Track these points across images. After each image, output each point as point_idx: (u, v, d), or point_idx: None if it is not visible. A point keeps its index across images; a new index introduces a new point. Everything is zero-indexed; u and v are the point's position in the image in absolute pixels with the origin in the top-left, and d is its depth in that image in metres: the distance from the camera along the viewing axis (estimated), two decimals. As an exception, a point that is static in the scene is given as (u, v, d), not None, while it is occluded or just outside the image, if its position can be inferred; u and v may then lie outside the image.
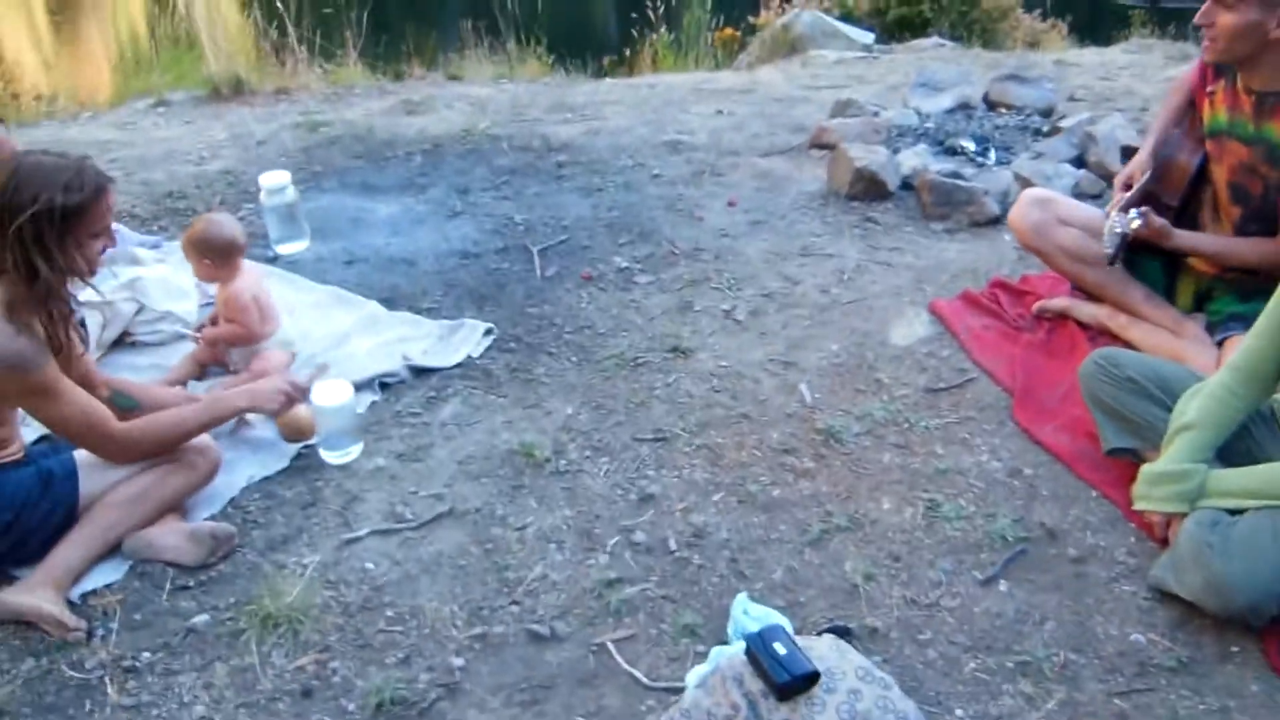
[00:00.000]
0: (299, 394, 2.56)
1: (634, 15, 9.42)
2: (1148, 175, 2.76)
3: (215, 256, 2.87)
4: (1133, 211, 2.62)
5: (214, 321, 3.02)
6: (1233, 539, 2.02)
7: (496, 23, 8.14)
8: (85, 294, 2.46)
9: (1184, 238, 2.70)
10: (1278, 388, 2.26)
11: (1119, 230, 2.61)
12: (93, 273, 2.27)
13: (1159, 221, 2.65)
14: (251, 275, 2.98)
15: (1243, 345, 2.28)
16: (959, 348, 3.02)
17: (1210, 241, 2.73)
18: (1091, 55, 6.31)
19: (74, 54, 14.52)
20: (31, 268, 2.07)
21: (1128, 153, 3.64)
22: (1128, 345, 2.92)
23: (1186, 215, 2.80)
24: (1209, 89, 2.69)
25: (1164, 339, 2.87)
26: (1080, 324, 3.04)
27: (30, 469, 2.25)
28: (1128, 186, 2.80)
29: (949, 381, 2.87)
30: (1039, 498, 2.44)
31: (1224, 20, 2.42)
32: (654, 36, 9.04)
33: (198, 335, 3.02)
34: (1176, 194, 2.77)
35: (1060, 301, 3.10)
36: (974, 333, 3.07)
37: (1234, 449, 2.26)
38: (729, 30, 9.75)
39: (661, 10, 8.77)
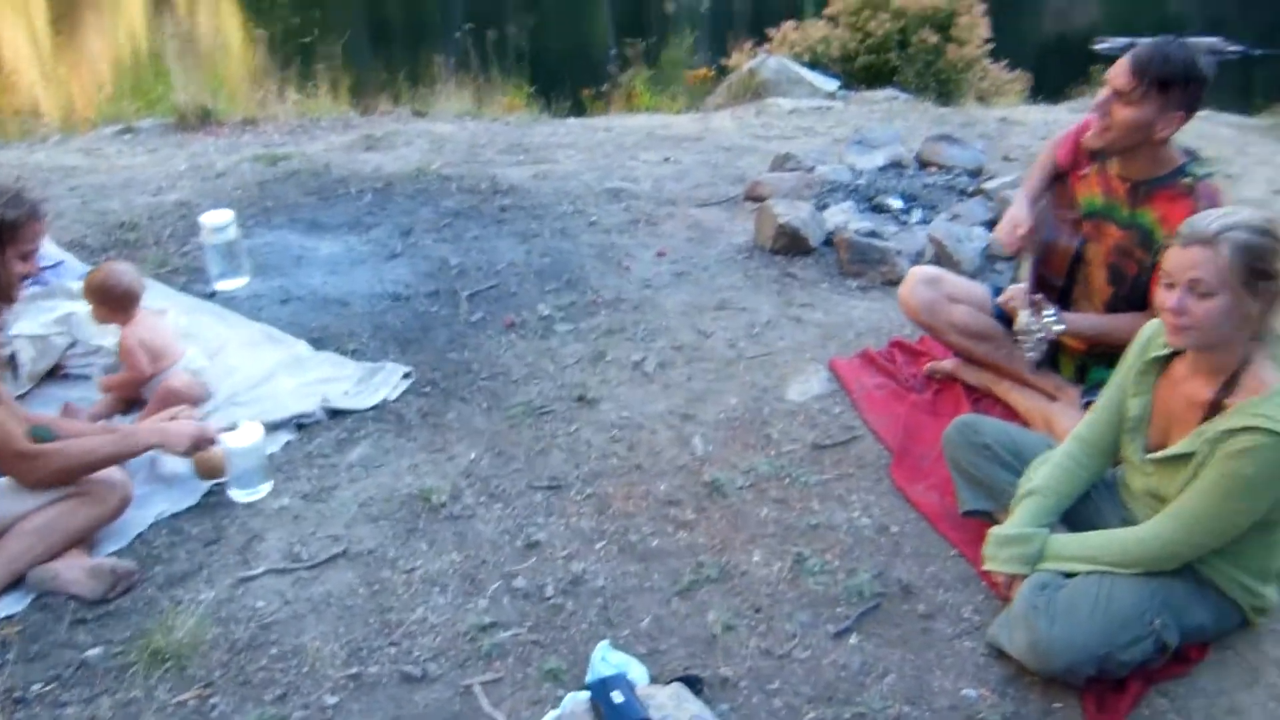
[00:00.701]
0: (206, 441, 2.70)
1: (613, 52, 9.66)
2: (1034, 260, 2.92)
3: (112, 304, 3.05)
4: (1049, 313, 2.76)
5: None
6: (1057, 602, 2.17)
7: (469, 57, 8.36)
8: (18, 326, 2.61)
9: (1073, 322, 2.84)
10: (1118, 457, 2.41)
11: (1040, 335, 2.75)
12: (10, 297, 2.42)
13: (1051, 309, 2.80)
14: (143, 319, 3.12)
15: (1086, 417, 2.45)
16: (851, 406, 3.17)
17: (1094, 323, 2.86)
18: (1037, 113, 6.51)
19: (69, 71, 14.70)
20: None
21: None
22: (1009, 409, 3.09)
23: (1068, 293, 2.97)
24: (1082, 172, 2.85)
25: (1041, 404, 3.03)
26: (967, 386, 3.20)
27: (-59, 493, 2.39)
28: (1014, 228, 2.94)
29: (835, 439, 3.02)
30: (901, 554, 2.58)
31: (1121, 114, 2.59)
32: (633, 73, 9.27)
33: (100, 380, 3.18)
34: (1060, 275, 2.93)
35: (950, 364, 3.25)
36: (867, 391, 3.22)
37: (1079, 515, 2.42)
38: (704, 70, 9.99)
39: (643, 48, 9.00)
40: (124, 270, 3.13)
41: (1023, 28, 16.65)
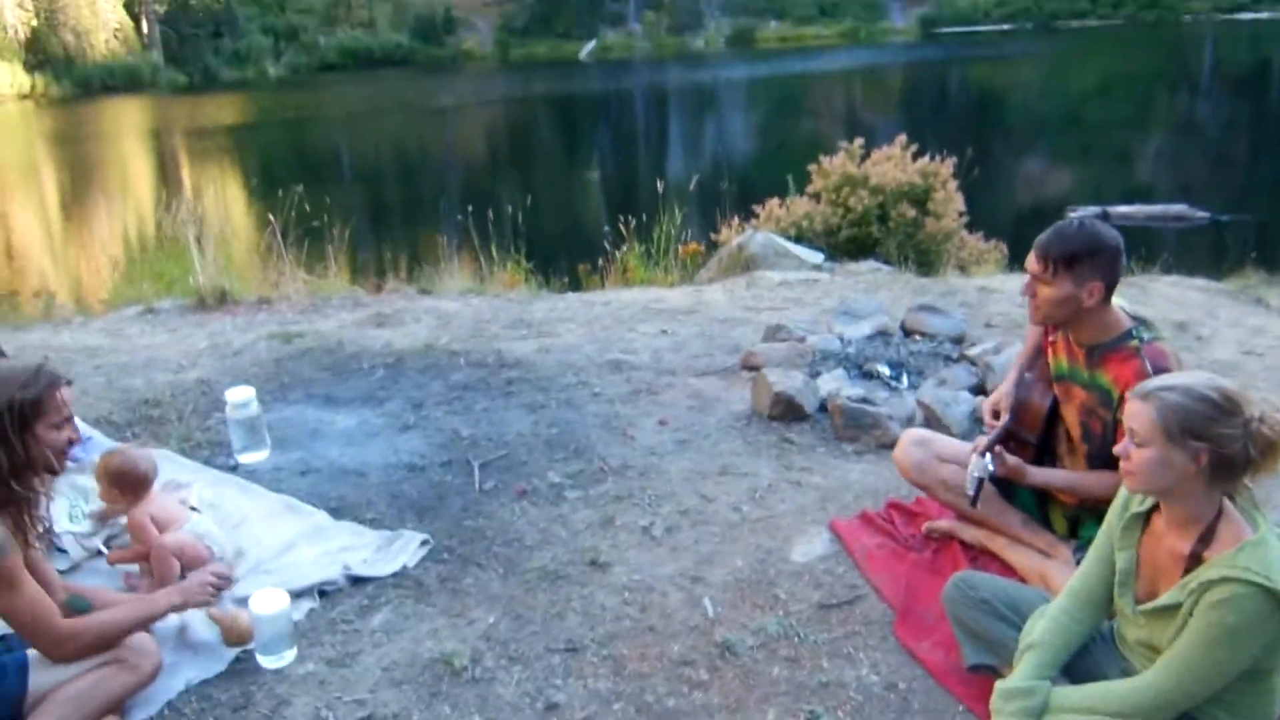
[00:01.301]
0: (223, 583, 2.81)
1: (606, 229, 10.12)
2: (1008, 416, 3.14)
3: (125, 488, 3.21)
4: (987, 457, 2.97)
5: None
6: (1063, 754, 2.25)
7: (472, 236, 8.77)
8: (58, 518, 2.76)
9: (1038, 475, 3.05)
10: (1111, 609, 2.53)
11: (976, 475, 2.98)
12: (60, 465, 2.57)
13: (1013, 461, 3.01)
14: (150, 496, 3.27)
15: (1078, 570, 2.58)
16: (853, 565, 3.30)
17: (1062, 477, 3.07)
18: (1015, 281, 6.84)
19: (79, 255, 15.24)
20: (6, 460, 2.38)
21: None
22: (1006, 565, 3.22)
23: (1047, 449, 3.16)
24: (1050, 338, 3.10)
25: (1036, 561, 3.17)
26: (964, 544, 3.34)
27: (-16, 663, 2.48)
28: (995, 415, 3.18)
29: (841, 598, 3.13)
30: (910, 710, 2.67)
31: (1043, 293, 2.86)
32: (626, 249, 9.69)
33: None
34: (1034, 431, 3.14)
35: (946, 523, 3.40)
36: (868, 551, 3.36)
37: (1080, 667, 2.52)
38: (694, 245, 10.44)
39: (634, 225, 9.43)
40: (140, 456, 3.31)
41: (998, 199, 17.49)
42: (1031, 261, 2.86)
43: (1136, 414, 2.22)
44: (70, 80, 55.89)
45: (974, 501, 3.05)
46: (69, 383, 2.58)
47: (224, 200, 17.16)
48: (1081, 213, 15.33)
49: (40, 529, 2.61)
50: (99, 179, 26.11)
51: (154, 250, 9.80)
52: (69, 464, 3.69)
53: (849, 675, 2.80)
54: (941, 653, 2.85)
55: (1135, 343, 2.84)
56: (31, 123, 42.54)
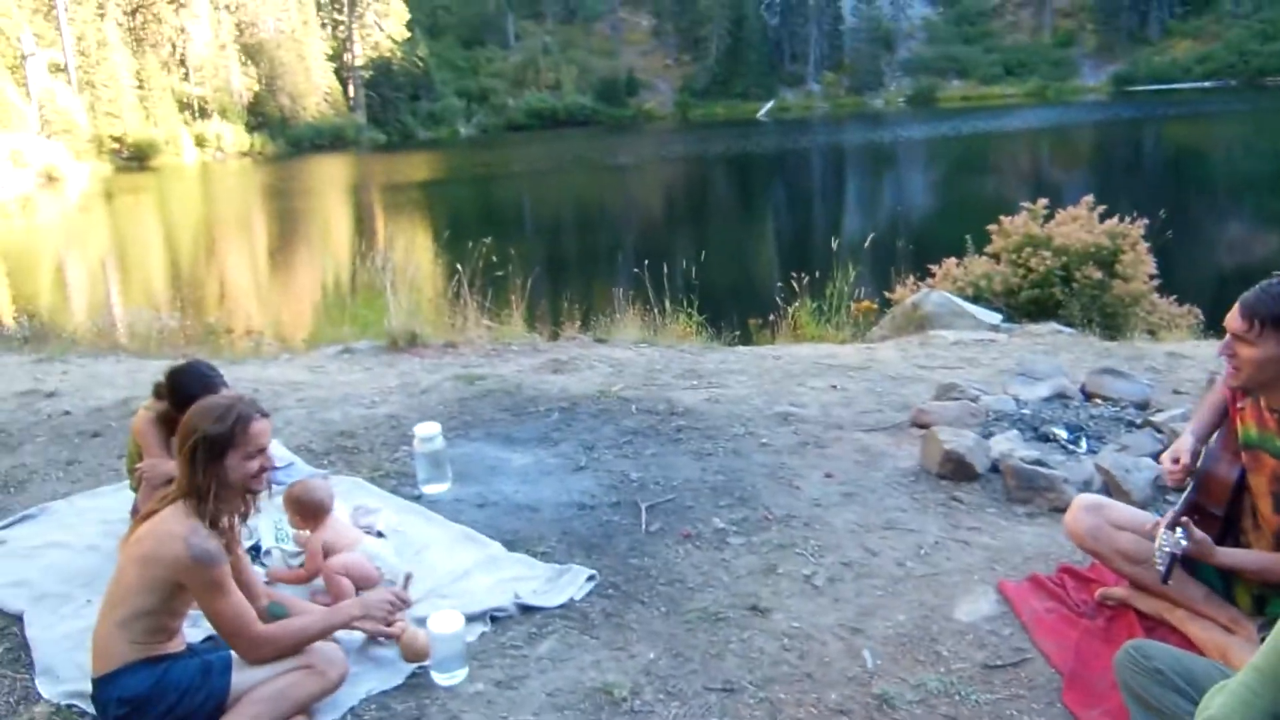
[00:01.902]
0: (401, 603, 3.03)
1: (779, 285, 10.20)
2: (1191, 488, 3.01)
3: (305, 514, 3.54)
4: (1179, 531, 2.83)
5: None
6: (1241, 834, 2.15)
7: (646, 288, 9.01)
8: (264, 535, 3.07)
9: (1225, 556, 2.89)
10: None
11: (1168, 550, 2.81)
12: (253, 490, 2.84)
13: (1200, 535, 2.85)
14: (329, 523, 3.56)
15: (1265, 646, 2.45)
16: (1021, 628, 3.23)
17: (1253, 559, 2.90)
18: (1207, 348, 6.52)
19: (283, 298, 16.45)
20: (199, 485, 2.69)
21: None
22: (1185, 638, 3.08)
23: (1231, 523, 3.01)
24: (1239, 404, 2.96)
25: (1218, 636, 3.02)
26: (1140, 614, 3.21)
27: (195, 660, 2.76)
28: (1175, 461, 3.04)
29: (1006, 659, 3.07)
30: (1076, 780, 2.58)
31: (1246, 353, 2.73)
32: (798, 305, 9.72)
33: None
34: (1220, 504, 2.99)
35: (1122, 591, 3.28)
36: (1037, 615, 3.27)
37: (1261, 749, 2.39)
38: (867, 303, 10.37)
39: (807, 281, 9.47)
40: (317, 486, 3.65)
41: (1196, 262, 16.60)
42: (1234, 319, 2.73)
43: None
44: (284, 139, 60.62)
45: (1166, 578, 2.90)
46: (265, 415, 2.85)
47: (414, 250, 18.18)
48: (1289, 277, 14.36)
49: (240, 543, 2.90)
50: (304, 229, 28.16)
51: (351, 295, 10.49)
52: (276, 486, 4.06)
53: (1012, 738, 2.74)
54: (1112, 723, 2.75)
55: None
56: (249, 178, 46.27)
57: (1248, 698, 2.40)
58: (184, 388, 3.54)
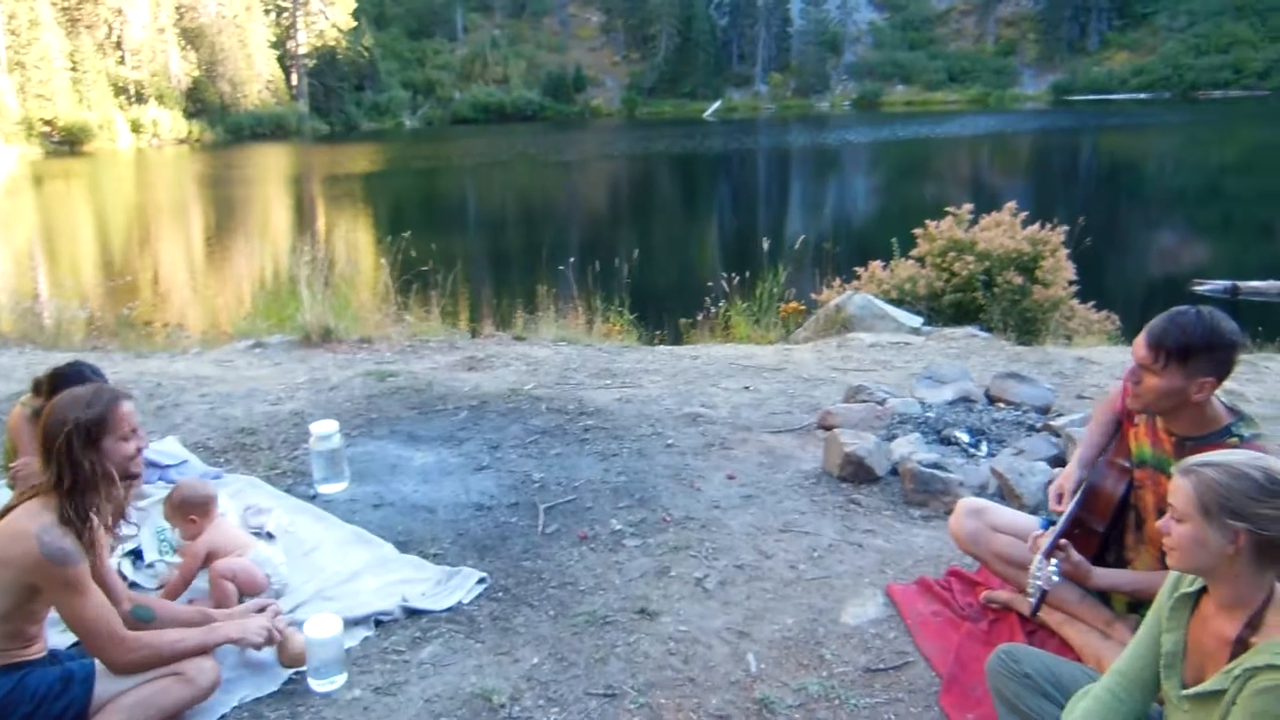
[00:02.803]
0: (280, 635, 2.95)
1: (711, 285, 10.21)
2: (1075, 502, 3.04)
3: (191, 513, 3.43)
4: (1053, 564, 2.84)
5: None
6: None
7: (580, 285, 8.96)
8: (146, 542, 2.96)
9: (1102, 578, 2.90)
10: (1159, 693, 2.43)
11: (1040, 584, 2.83)
12: (133, 474, 2.75)
13: (1077, 558, 2.86)
14: (214, 525, 3.46)
15: (1125, 651, 2.49)
16: (905, 631, 3.24)
17: (1128, 579, 2.92)
18: (1116, 354, 6.65)
19: (217, 290, 16.13)
20: (71, 478, 2.58)
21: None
22: (1064, 643, 3.11)
23: (1114, 536, 3.05)
24: (1134, 420, 2.99)
25: (1094, 639, 3.06)
26: (1022, 617, 3.24)
27: (55, 669, 2.65)
28: (1059, 498, 3.08)
29: (888, 663, 3.08)
30: (945, 784, 2.60)
31: (1150, 382, 2.72)
32: (727, 305, 9.75)
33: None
34: (1103, 520, 3.03)
35: (1005, 595, 3.31)
36: (922, 618, 3.29)
37: (1122, 753, 2.42)
38: (794, 304, 10.44)
39: (738, 282, 9.51)
40: (196, 484, 3.56)
41: (1124, 269, 16.95)
42: (1141, 349, 2.70)
43: (1176, 489, 2.16)
44: (223, 127, 59.53)
45: (1035, 610, 2.91)
46: (129, 397, 2.78)
47: (349, 243, 17.94)
48: (1209, 287, 14.70)
49: (104, 544, 2.79)
50: (241, 219, 27.63)
51: (278, 290, 10.31)
52: (162, 484, 3.95)
53: (886, 743, 2.74)
54: (984, 727, 2.77)
55: (1235, 440, 2.69)
56: (186, 165, 45.32)
57: (1110, 701, 2.43)
58: (64, 387, 3.42)
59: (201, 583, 3.43)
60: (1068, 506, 3.04)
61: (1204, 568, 2.18)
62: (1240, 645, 2.17)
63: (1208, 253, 20.21)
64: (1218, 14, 72.24)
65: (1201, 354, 2.62)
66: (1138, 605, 3.08)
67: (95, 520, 2.69)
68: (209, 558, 3.41)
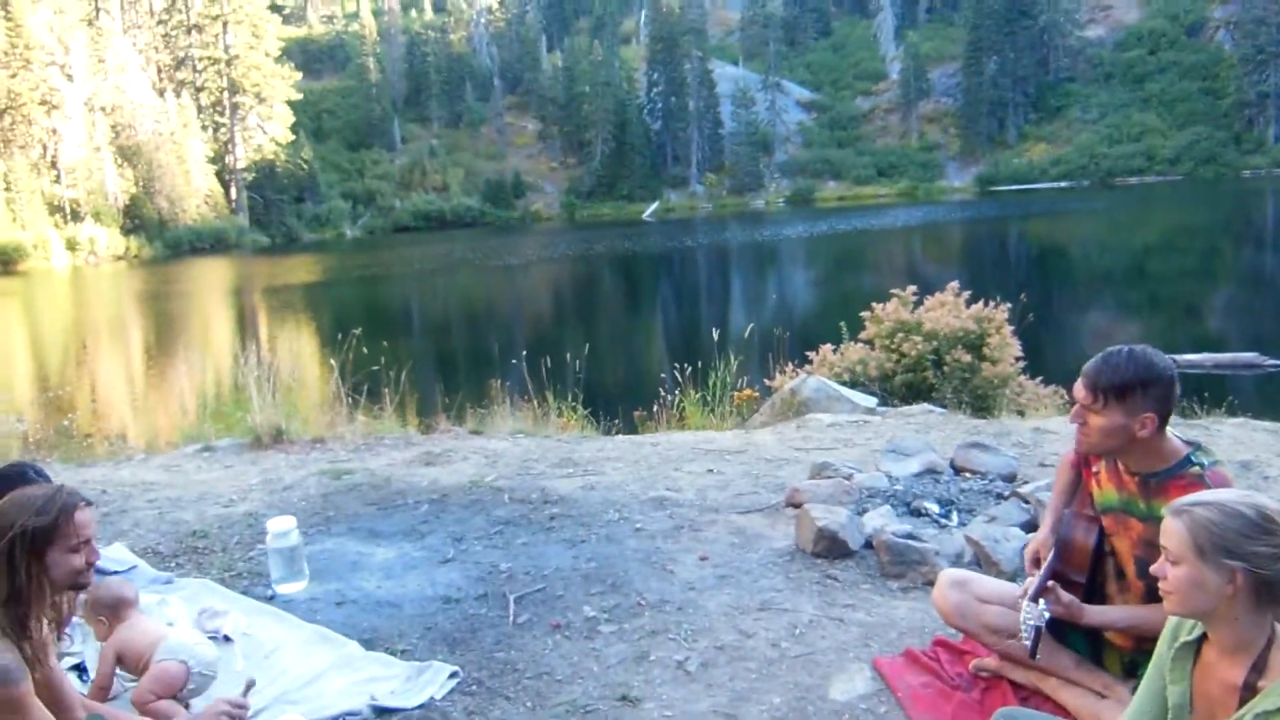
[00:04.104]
0: (239, 712, 2.76)
1: (663, 376, 10.21)
2: (1052, 556, 3.02)
3: (102, 614, 3.25)
4: (1041, 603, 2.81)
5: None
6: None
7: (532, 382, 8.90)
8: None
9: (1095, 614, 2.89)
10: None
11: (1032, 623, 2.79)
12: (80, 585, 2.57)
13: (1067, 598, 2.84)
14: (129, 624, 3.28)
15: (1130, 707, 2.43)
16: (896, 704, 3.15)
17: (1122, 615, 2.90)
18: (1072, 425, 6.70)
19: (157, 403, 15.79)
20: (9, 588, 2.38)
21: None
22: (1060, 707, 3.04)
23: (1095, 587, 3.02)
24: (1094, 469, 3.00)
25: (1090, 701, 2.99)
26: (1014, 684, 3.17)
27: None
28: (1036, 562, 3.05)
29: (882, 738, 2.98)
30: None
31: (1093, 421, 2.76)
32: (680, 395, 9.73)
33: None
34: (1082, 571, 3.00)
35: (994, 662, 3.24)
36: (912, 690, 3.20)
37: (1132, 812, 2.34)
38: (749, 391, 10.46)
39: (690, 373, 9.51)
40: (112, 583, 3.38)
41: (1062, 347, 17.32)
42: (1080, 390, 2.76)
43: (1169, 531, 2.14)
44: (162, 242, 59.08)
45: (1033, 652, 2.86)
46: (89, 504, 2.58)
47: (294, 350, 17.72)
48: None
49: (52, 653, 2.60)
50: (181, 333, 27.22)
51: (222, 397, 10.10)
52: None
53: (889, 821, 2.63)
54: (988, 798, 2.67)
55: (1197, 469, 2.71)
56: (123, 282, 44.78)
57: (1117, 761, 2.36)
58: (4, 490, 3.25)
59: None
60: (1044, 566, 3.02)
61: (1203, 610, 2.15)
62: (1249, 690, 2.12)
63: (1139, 329, 20.74)
64: (1125, 105, 75.80)
65: (1136, 390, 2.68)
66: (1134, 668, 3.03)
67: (38, 630, 2.51)
68: (121, 659, 3.22)
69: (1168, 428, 2.80)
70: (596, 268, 41.29)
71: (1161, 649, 2.37)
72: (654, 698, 3.22)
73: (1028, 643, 2.83)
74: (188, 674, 3.14)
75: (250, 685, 2.96)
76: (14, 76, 57.52)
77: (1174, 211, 49.15)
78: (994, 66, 78.93)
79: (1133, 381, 2.68)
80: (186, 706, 3.12)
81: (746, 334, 11.29)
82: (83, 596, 3.44)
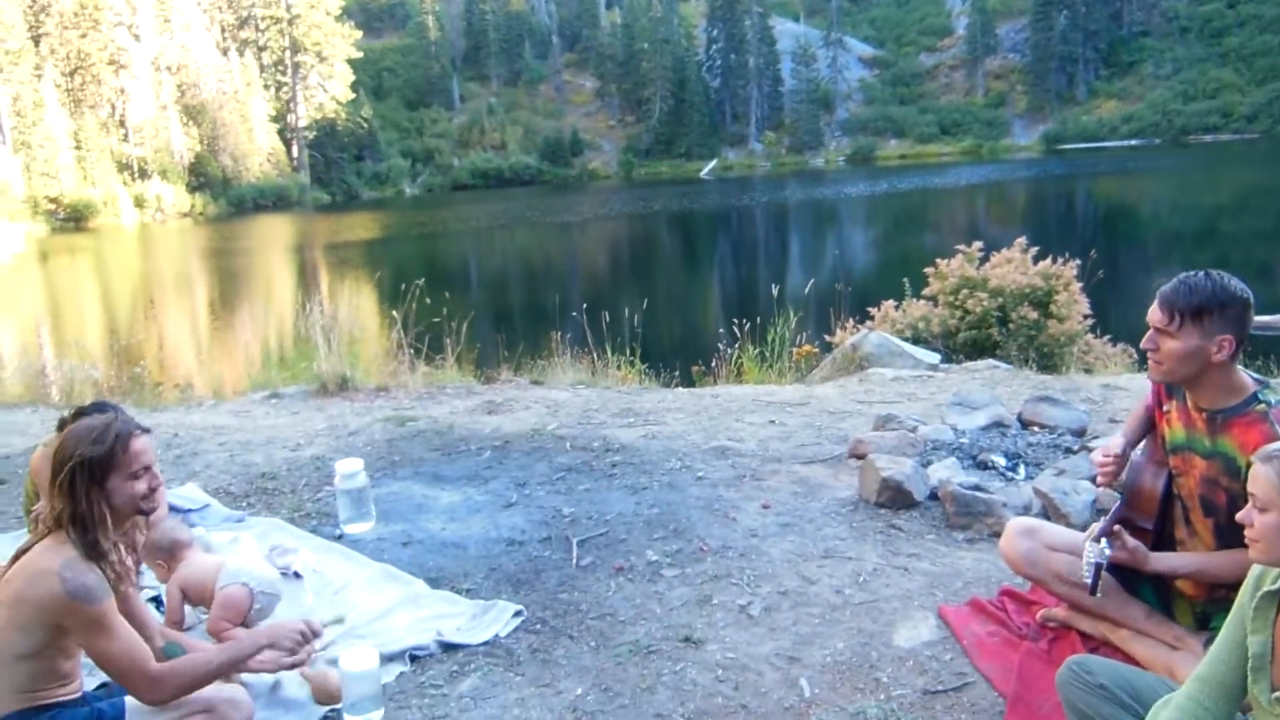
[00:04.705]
0: (311, 633, 2.82)
1: (721, 332, 10.16)
2: (1119, 501, 2.95)
3: (160, 557, 3.35)
4: (1104, 541, 2.77)
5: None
6: None
7: (584, 335, 8.92)
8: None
9: (1161, 560, 2.83)
10: (1246, 700, 2.31)
11: (1093, 560, 2.75)
12: (145, 511, 2.63)
13: (1132, 543, 2.79)
14: (188, 561, 3.37)
15: (1207, 656, 2.37)
16: (962, 652, 3.12)
17: (1188, 561, 2.84)
18: (1142, 380, 6.54)
19: (222, 354, 16.11)
20: (72, 514, 2.45)
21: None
22: (1130, 658, 2.99)
23: (1164, 535, 2.95)
24: (1164, 408, 2.92)
25: (1163, 653, 2.93)
26: (1083, 635, 3.12)
27: (85, 709, 2.52)
28: (1106, 455, 2.98)
29: (947, 685, 2.96)
30: (1021, 805, 2.46)
31: (1168, 346, 2.69)
32: (738, 350, 9.68)
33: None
34: (1149, 517, 2.93)
35: (1063, 612, 3.19)
36: (978, 639, 3.17)
37: (1209, 762, 2.30)
38: (808, 347, 10.37)
39: (749, 329, 9.44)
40: (166, 525, 3.45)
41: (1128, 309, 16.85)
42: (1155, 313, 2.69)
43: (1257, 477, 2.07)
44: (226, 199, 60.11)
45: (1094, 590, 2.81)
46: (145, 430, 2.62)
47: (356, 303, 17.93)
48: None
49: (132, 578, 2.67)
50: (245, 288, 27.73)
51: (287, 348, 10.27)
52: (190, 526, 3.85)
53: (954, 764, 2.62)
54: (1056, 745, 2.65)
55: (1263, 406, 2.64)
56: (190, 238, 45.64)
57: (1193, 709, 2.31)
58: None
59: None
60: (1111, 511, 2.96)
61: None
62: (1336, 640, 2.06)
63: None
64: (1203, 60, 73.24)
65: (1214, 310, 2.61)
66: (1206, 620, 2.97)
67: (118, 554, 2.57)
68: (186, 594, 3.32)
69: (1239, 365, 2.73)
70: (654, 226, 41.13)
71: (1243, 599, 2.31)
72: (716, 640, 3.22)
73: (1088, 579, 2.79)
74: (251, 595, 3.21)
75: (338, 621, 3.00)
76: (84, 37, 58.61)
77: (1250, 170, 47.49)
78: (1064, 21, 76.67)
79: (1210, 302, 2.61)
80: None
81: (806, 290, 11.16)
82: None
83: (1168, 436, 2.90)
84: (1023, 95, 79.13)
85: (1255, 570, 2.30)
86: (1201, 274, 2.67)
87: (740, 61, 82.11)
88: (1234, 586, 2.76)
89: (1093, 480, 4.11)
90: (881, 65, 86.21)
